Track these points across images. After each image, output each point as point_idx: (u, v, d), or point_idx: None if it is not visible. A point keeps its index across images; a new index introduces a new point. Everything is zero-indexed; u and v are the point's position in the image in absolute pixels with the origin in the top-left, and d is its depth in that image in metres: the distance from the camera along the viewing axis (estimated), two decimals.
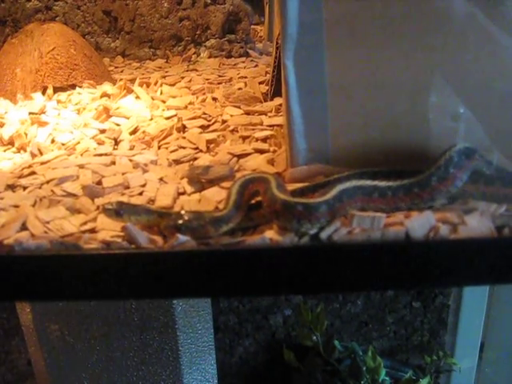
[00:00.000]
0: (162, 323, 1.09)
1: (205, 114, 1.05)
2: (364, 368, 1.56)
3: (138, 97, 1.21)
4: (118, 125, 1.08)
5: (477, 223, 0.66)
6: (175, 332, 1.10)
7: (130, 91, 1.23)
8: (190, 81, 1.35)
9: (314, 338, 1.58)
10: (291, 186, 0.74)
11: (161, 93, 1.26)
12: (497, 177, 0.72)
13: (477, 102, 0.76)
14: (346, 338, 1.79)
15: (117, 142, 0.98)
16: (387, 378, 1.55)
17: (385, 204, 0.69)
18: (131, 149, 0.95)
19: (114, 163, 0.88)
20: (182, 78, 1.38)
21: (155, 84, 1.31)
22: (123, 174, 0.83)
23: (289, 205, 0.64)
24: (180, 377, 1.15)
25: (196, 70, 1.46)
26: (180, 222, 0.65)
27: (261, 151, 0.87)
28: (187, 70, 1.47)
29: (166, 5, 1.57)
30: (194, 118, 1.04)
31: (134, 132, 1.04)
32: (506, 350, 1.91)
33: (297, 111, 0.76)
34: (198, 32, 1.58)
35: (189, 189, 0.79)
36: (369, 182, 0.69)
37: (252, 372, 1.84)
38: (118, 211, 0.67)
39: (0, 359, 1.82)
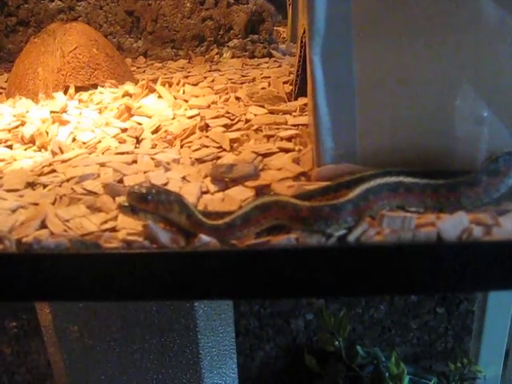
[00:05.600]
0: (182, 326, 1.07)
1: (228, 113, 1.04)
2: (387, 374, 1.53)
3: (160, 96, 1.20)
4: (139, 124, 1.06)
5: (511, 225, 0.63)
6: (196, 335, 1.08)
7: (152, 90, 1.22)
8: (212, 81, 1.33)
9: (336, 343, 1.55)
10: (314, 185, 0.72)
11: (183, 92, 1.25)
12: None
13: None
14: (369, 344, 1.76)
15: (138, 141, 0.97)
16: None
17: (413, 199, 0.67)
18: (153, 147, 0.94)
19: (135, 162, 0.87)
20: (205, 77, 1.36)
21: (177, 84, 1.30)
22: (145, 172, 0.82)
23: (313, 209, 0.62)
24: (200, 381, 1.13)
25: (219, 70, 1.45)
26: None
27: (286, 150, 0.85)
28: (210, 70, 1.45)
29: (188, 5, 1.56)
30: (217, 117, 1.02)
31: (156, 131, 1.02)
32: None
33: (324, 108, 0.74)
34: (220, 32, 1.57)
35: (212, 188, 0.77)
36: (394, 179, 0.67)
37: (273, 377, 1.82)
38: (134, 208, 0.65)
39: (20, 360, 1.81)
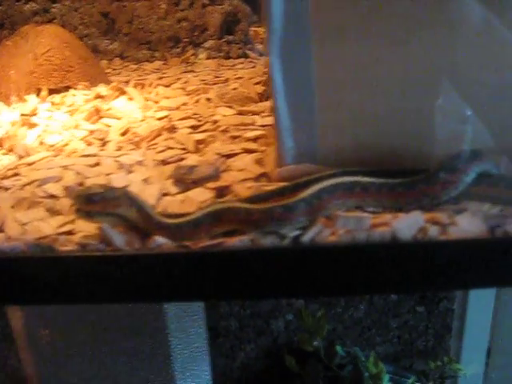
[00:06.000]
0: (153, 328, 1.07)
1: (196, 114, 1.03)
2: (366, 374, 1.53)
3: (130, 98, 1.19)
4: (108, 126, 1.06)
5: (468, 224, 0.63)
6: (167, 337, 1.08)
7: (123, 92, 1.21)
8: (185, 82, 1.33)
9: (315, 343, 1.55)
10: (272, 186, 0.72)
11: (156, 94, 1.24)
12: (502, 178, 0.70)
13: (473, 101, 0.74)
14: (349, 343, 1.76)
15: (104, 143, 0.96)
16: None
17: (370, 199, 0.67)
18: (118, 150, 0.93)
19: (98, 164, 0.86)
20: (178, 79, 1.36)
21: (150, 85, 1.29)
22: (107, 175, 0.82)
23: (265, 210, 0.62)
24: (173, 383, 1.13)
25: (193, 72, 1.44)
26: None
27: (250, 151, 0.85)
28: (184, 72, 1.45)
29: (163, 6, 1.55)
30: (184, 119, 1.02)
31: (124, 133, 1.02)
32: None
33: (283, 109, 0.74)
34: (196, 33, 1.56)
35: (173, 189, 0.77)
36: (351, 178, 0.67)
37: (253, 377, 1.81)
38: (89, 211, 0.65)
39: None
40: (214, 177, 0.77)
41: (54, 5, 1.60)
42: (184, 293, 0.63)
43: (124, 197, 0.65)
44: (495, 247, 0.61)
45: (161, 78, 1.38)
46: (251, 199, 0.69)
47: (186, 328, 1.14)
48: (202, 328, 1.23)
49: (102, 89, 1.25)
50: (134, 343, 1.10)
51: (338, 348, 1.62)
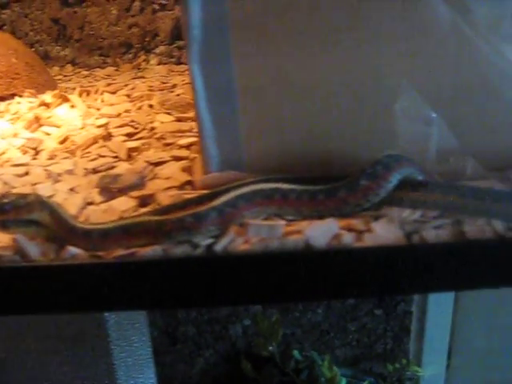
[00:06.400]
0: (94, 336, 1.06)
1: (133, 121, 1.03)
2: (322, 378, 1.53)
3: (73, 106, 1.18)
4: (48, 134, 1.05)
5: (384, 230, 0.63)
6: (109, 345, 1.07)
7: (66, 100, 1.21)
8: (133, 88, 1.32)
9: (271, 348, 1.55)
10: (193, 194, 0.72)
11: (101, 101, 1.23)
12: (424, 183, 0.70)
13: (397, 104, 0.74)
14: (308, 348, 1.76)
15: (37, 152, 0.95)
16: None
17: (290, 206, 0.67)
18: (51, 158, 0.92)
19: (27, 174, 0.85)
20: (126, 85, 1.35)
21: (96, 92, 1.28)
22: (34, 184, 0.81)
23: (175, 220, 0.62)
24: None
25: (143, 78, 1.44)
26: None
27: (179, 158, 0.84)
28: (134, 78, 1.44)
29: (114, 12, 1.55)
30: (121, 126, 1.01)
31: (63, 141, 1.01)
32: (473, 356, 1.89)
33: (206, 116, 0.74)
34: (147, 39, 1.56)
35: (98, 199, 0.76)
36: (270, 185, 0.67)
37: (213, 383, 1.81)
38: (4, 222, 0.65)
39: None
40: (139, 185, 0.77)
41: (3, 11, 1.58)
42: (96, 304, 0.63)
43: (35, 202, 0.64)
44: (407, 254, 0.61)
45: (109, 85, 1.37)
46: (168, 208, 0.68)
47: (129, 336, 1.13)
48: (146, 336, 1.22)
49: (47, 96, 1.24)
50: (76, 352, 1.09)
51: (296, 352, 1.63)
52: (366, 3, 0.69)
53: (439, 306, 1.80)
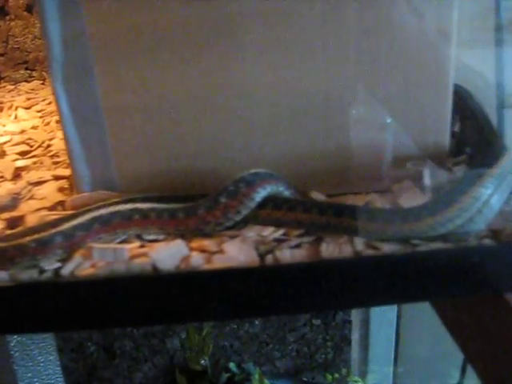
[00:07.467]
0: None
1: (30, 139, 1.01)
2: None
3: None
4: None
5: (236, 251, 0.62)
6: (12, 366, 1.05)
7: None
8: (49, 103, 1.30)
9: (203, 361, 1.54)
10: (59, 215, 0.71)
11: (15, 117, 1.22)
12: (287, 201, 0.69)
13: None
14: (247, 359, 1.75)
15: None
16: None
17: (150, 226, 0.66)
18: None
19: None
20: (44, 99, 1.33)
21: (10, 108, 1.27)
22: None
23: (17, 246, 0.60)
24: None
25: None
26: None
27: (59, 178, 0.83)
28: None
29: (39, 25, 1.52)
30: (18, 144, 1.00)
31: None
32: (418, 363, 1.89)
33: (73, 138, 0.72)
34: None
35: None
36: (129, 206, 0.66)
37: None
38: None
39: None
40: (10, 207, 0.75)
41: None
42: None
43: None
44: (254, 275, 0.60)
45: (29, 99, 1.35)
46: (29, 231, 0.67)
47: (34, 356, 1.12)
48: (53, 355, 1.20)
49: None
50: None
51: (232, 365, 1.62)
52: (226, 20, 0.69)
53: (382, 314, 1.80)
